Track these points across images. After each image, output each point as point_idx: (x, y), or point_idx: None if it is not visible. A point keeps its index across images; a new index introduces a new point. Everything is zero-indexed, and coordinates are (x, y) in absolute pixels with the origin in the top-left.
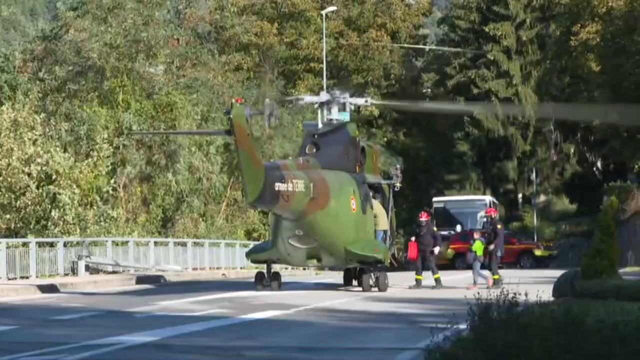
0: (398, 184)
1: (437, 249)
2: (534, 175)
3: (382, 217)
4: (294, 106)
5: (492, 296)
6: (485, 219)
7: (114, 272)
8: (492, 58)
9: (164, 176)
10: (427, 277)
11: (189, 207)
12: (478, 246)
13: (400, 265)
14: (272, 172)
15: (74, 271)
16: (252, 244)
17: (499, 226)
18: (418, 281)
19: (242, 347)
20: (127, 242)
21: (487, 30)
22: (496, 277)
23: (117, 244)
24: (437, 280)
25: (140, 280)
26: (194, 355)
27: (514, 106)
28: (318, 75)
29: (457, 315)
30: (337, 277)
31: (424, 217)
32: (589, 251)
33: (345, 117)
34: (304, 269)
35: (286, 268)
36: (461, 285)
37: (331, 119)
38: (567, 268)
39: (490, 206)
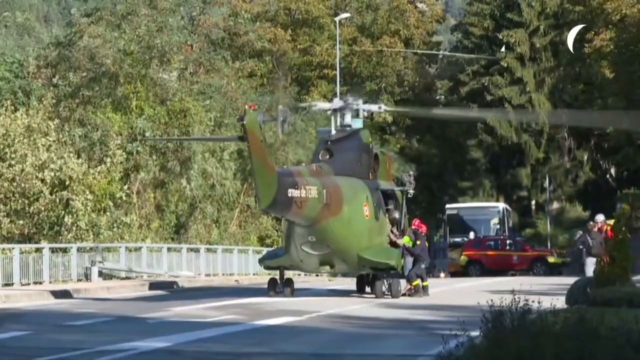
0: (411, 191)
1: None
2: (547, 182)
3: None
4: (307, 113)
5: (505, 303)
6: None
7: (127, 278)
8: (505, 65)
9: (178, 182)
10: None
11: (202, 213)
12: (406, 239)
13: None
14: (285, 179)
15: (87, 277)
16: (265, 250)
17: (418, 242)
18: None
19: (254, 353)
20: (140, 248)
21: (500, 37)
22: (415, 283)
23: (130, 250)
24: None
25: (153, 286)
26: None
27: (527, 113)
28: (331, 82)
29: (469, 322)
30: (350, 283)
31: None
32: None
33: (358, 124)
34: (317, 275)
35: (299, 274)
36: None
37: (344, 126)
38: (580, 275)
39: (503, 213)
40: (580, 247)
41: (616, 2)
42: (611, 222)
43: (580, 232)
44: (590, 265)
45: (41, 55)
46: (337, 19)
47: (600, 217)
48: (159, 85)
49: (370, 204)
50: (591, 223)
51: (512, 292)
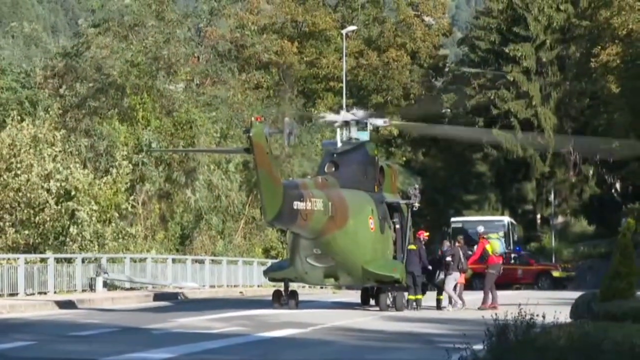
0: (416, 204)
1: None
2: (552, 196)
3: None
4: (313, 124)
5: (509, 317)
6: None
7: (131, 289)
8: (511, 79)
9: (183, 193)
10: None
11: (207, 225)
12: None
13: None
14: (290, 191)
15: (91, 287)
16: (269, 262)
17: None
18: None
19: None
20: (145, 259)
21: (507, 51)
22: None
23: (135, 261)
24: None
25: (157, 297)
26: None
27: (534, 134)
28: (338, 95)
29: (473, 335)
30: (355, 296)
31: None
32: (608, 273)
33: (365, 136)
34: (322, 287)
35: (304, 286)
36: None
37: (350, 138)
38: (585, 290)
39: (509, 227)
40: (449, 259)
41: (623, 17)
42: (492, 236)
43: (447, 243)
44: (453, 281)
45: (48, 65)
46: (343, 31)
47: (481, 228)
48: (165, 97)
49: (376, 216)
50: (460, 237)
51: (519, 305)
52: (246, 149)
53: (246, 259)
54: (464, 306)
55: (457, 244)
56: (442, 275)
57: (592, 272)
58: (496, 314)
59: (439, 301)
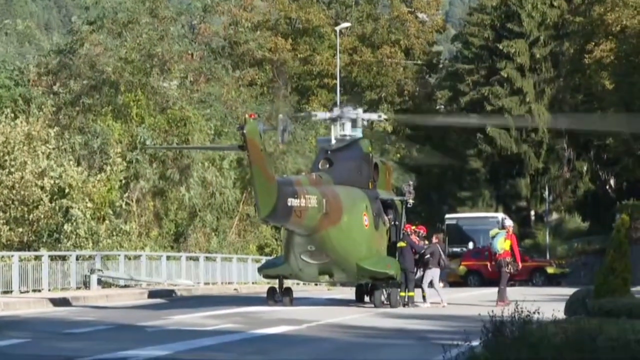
0: (411, 201)
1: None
2: (546, 192)
3: None
4: (307, 122)
5: (505, 313)
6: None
7: (126, 286)
8: (505, 75)
9: (177, 190)
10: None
11: (201, 222)
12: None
13: None
14: (284, 188)
15: (86, 285)
16: (264, 259)
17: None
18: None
19: None
20: (139, 256)
21: (501, 47)
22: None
23: (129, 258)
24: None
25: (152, 294)
26: None
27: (527, 120)
28: (332, 91)
29: (468, 332)
30: (349, 293)
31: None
32: (602, 269)
33: (358, 133)
34: (316, 284)
35: (298, 283)
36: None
37: (344, 135)
38: (579, 286)
39: (502, 223)
40: (428, 256)
41: (616, 13)
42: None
43: (425, 241)
44: (431, 276)
45: (42, 62)
46: (337, 28)
47: (509, 222)
48: (159, 94)
49: (370, 213)
50: (440, 235)
51: (515, 302)
52: (240, 146)
53: (240, 256)
54: (425, 303)
55: (434, 240)
56: (420, 273)
57: (587, 268)
58: (492, 310)
59: (424, 297)
